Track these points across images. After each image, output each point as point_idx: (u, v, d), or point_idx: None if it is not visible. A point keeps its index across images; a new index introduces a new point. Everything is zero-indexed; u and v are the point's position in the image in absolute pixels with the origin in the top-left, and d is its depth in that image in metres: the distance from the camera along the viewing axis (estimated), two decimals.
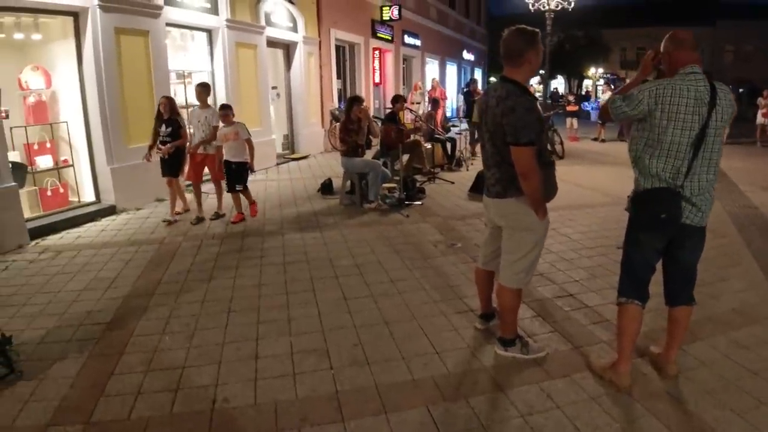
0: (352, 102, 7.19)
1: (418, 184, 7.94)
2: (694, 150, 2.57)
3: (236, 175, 6.47)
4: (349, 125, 7.03)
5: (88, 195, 7.17)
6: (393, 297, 4.12)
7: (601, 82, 35.28)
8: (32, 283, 4.54)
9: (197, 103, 6.65)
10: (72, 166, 7.15)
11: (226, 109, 6.48)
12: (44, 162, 6.85)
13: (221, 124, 6.44)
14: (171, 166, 6.49)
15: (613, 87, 17.14)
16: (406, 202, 7.06)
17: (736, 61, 39.10)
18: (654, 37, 40.39)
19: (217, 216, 6.66)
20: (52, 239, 5.91)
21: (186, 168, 6.89)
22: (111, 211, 6.93)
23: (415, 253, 5.18)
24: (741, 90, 14.26)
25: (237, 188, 6.48)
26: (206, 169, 6.78)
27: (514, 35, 2.84)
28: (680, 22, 44.29)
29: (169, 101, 6.49)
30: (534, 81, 46.05)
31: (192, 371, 3.07)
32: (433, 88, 14.58)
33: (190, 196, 7.07)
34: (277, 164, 10.70)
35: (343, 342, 3.40)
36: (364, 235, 5.80)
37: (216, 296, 4.18)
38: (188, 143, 6.64)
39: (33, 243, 5.70)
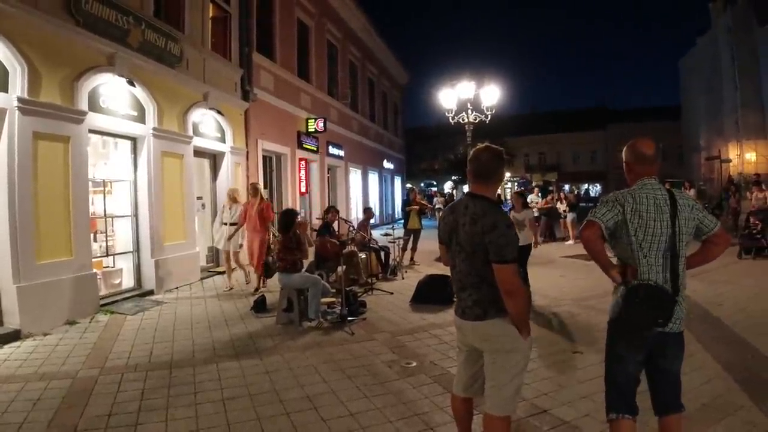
0: (290, 218, 6.84)
1: (358, 297, 7.56)
2: (672, 255, 2.63)
3: None
4: (289, 244, 6.65)
5: None
6: None
7: (510, 185, 37.76)
8: None
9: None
10: None
11: None
12: None
13: None
14: None
15: (534, 192, 17.94)
16: (349, 318, 6.62)
17: None
18: (553, 143, 44.46)
19: None
20: None
21: None
22: (15, 336, 5.95)
23: (370, 378, 4.71)
24: None
25: None
26: None
27: (489, 155, 2.85)
28: (576, 128, 49.47)
29: None
30: (447, 186, 48.66)
31: None
32: (250, 201, 9.15)
33: None
34: (202, 279, 9.97)
35: None
36: (310, 360, 5.26)
37: None
38: None
39: None
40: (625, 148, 2.88)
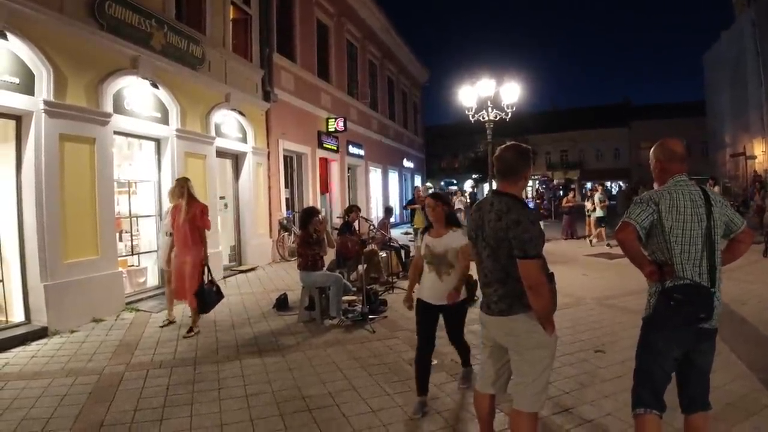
0: (309, 215, 6.89)
1: (379, 295, 7.58)
2: (709, 249, 2.64)
3: None
4: (308, 239, 6.69)
5: (17, 314, 6.35)
6: None
7: (532, 184, 37.49)
8: None
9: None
10: (2, 281, 6.35)
11: None
12: None
13: None
14: None
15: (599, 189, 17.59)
16: (370, 316, 6.64)
17: None
18: (575, 141, 43.41)
19: None
20: None
21: None
22: (42, 333, 6.11)
23: (391, 376, 4.72)
24: None
25: None
26: None
27: (513, 153, 2.87)
28: (599, 125, 48.59)
29: None
30: (467, 185, 48.41)
31: None
32: (177, 204, 6.53)
33: None
34: (224, 277, 10.08)
35: None
36: (332, 357, 5.30)
37: None
38: None
39: None
40: (655, 147, 2.89)
